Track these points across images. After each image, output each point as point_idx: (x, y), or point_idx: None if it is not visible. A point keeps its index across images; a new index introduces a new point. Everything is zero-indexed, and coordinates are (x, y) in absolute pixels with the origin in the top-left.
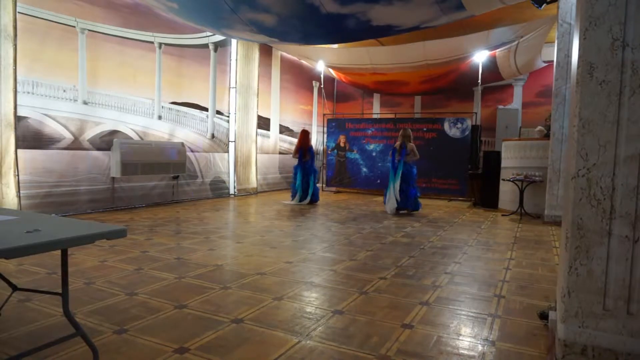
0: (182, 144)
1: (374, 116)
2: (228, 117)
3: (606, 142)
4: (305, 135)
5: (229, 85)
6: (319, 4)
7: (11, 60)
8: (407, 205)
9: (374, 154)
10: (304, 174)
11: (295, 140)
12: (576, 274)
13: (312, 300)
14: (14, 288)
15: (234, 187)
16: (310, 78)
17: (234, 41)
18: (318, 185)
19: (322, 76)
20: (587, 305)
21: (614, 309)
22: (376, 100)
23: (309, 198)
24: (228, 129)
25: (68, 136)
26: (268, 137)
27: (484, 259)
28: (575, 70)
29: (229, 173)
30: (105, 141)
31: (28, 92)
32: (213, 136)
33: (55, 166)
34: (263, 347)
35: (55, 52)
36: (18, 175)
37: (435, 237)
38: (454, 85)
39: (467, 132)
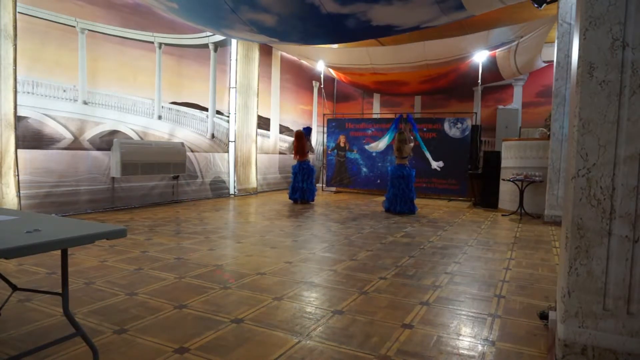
0: (182, 144)
1: (374, 116)
2: (228, 117)
3: (606, 142)
4: (300, 135)
5: (229, 85)
6: (319, 4)
7: (11, 60)
8: (404, 210)
9: (374, 154)
10: (302, 174)
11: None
12: (576, 274)
13: (312, 300)
14: (14, 288)
15: (234, 187)
16: (310, 78)
17: (234, 41)
18: (318, 185)
19: (322, 76)
20: (587, 305)
21: (614, 309)
22: (376, 100)
23: (314, 198)
24: (228, 129)
25: (68, 136)
26: (268, 137)
27: (484, 259)
28: (575, 70)
29: (229, 173)
30: (105, 141)
31: (28, 92)
32: (213, 136)
33: (55, 166)
34: (263, 347)
35: (55, 52)
36: (18, 175)
37: (436, 237)
38: (454, 85)
39: (467, 132)
